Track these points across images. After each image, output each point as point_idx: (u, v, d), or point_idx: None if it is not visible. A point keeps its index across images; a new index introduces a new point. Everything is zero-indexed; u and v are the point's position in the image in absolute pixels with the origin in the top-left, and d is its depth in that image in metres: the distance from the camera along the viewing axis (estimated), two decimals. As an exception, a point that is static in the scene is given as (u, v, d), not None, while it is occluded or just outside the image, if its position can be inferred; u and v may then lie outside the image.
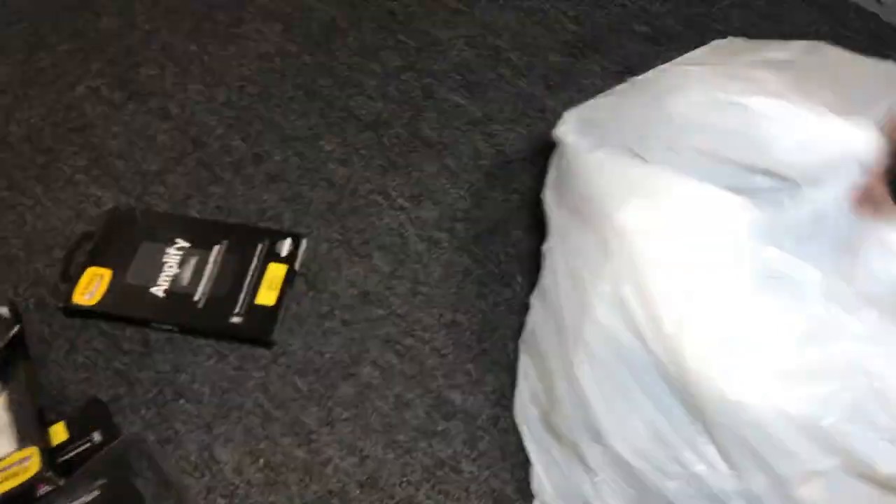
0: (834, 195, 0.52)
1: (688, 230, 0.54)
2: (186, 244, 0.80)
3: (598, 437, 0.57)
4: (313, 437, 0.71)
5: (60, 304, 0.77)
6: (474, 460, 0.71)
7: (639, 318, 0.53)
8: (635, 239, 0.54)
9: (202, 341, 0.76)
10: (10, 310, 0.73)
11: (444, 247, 0.83)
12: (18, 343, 0.71)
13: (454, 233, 0.84)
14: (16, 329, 0.71)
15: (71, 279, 0.78)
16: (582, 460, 0.60)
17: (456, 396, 0.74)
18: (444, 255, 0.82)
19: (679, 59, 0.66)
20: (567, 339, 0.58)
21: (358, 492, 0.69)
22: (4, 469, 0.64)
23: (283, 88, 0.95)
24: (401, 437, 0.71)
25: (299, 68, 0.96)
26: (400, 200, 0.86)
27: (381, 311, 0.78)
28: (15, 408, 0.68)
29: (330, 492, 0.69)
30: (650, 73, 0.65)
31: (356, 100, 0.94)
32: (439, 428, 0.72)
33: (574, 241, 0.61)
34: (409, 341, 0.77)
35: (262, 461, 0.70)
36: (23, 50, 0.97)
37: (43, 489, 0.64)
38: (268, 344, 0.76)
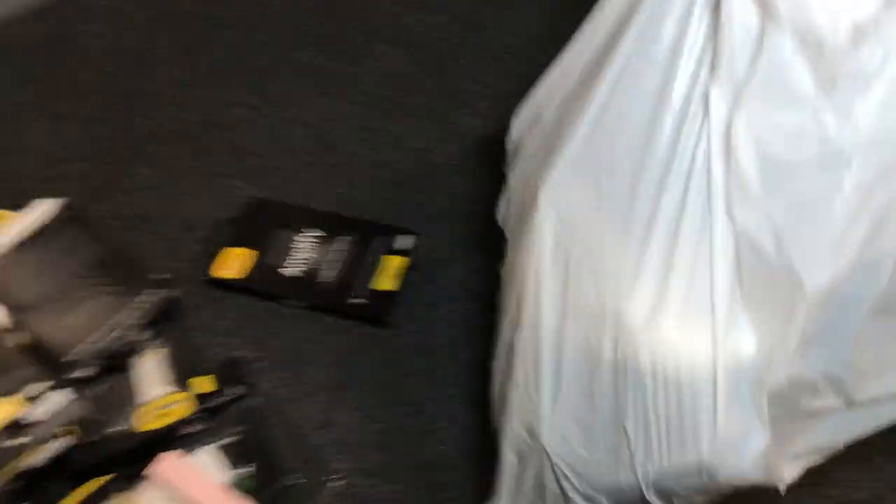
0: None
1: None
2: (316, 233, 0.90)
3: None
4: (422, 408, 0.80)
5: (206, 277, 0.88)
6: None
7: None
8: None
9: (326, 318, 0.86)
10: (167, 279, 0.84)
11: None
12: (173, 307, 0.82)
13: (554, 240, 0.92)
14: (172, 294, 0.82)
15: (214, 256, 0.89)
16: None
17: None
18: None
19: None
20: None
21: (460, 459, 0.77)
22: (160, 408, 0.74)
23: (403, 101, 1.05)
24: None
25: (418, 86, 1.07)
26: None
27: (479, 304, 0.87)
28: (169, 360, 0.79)
29: (437, 455, 0.77)
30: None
31: (466, 119, 1.03)
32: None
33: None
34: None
35: (376, 425, 0.79)
36: (181, 60, 1.10)
37: (191, 428, 0.74)
38: (384, 324, 0.85)
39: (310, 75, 1.08)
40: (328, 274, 0.87)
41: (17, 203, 0.88)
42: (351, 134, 1.02)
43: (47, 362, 0.73)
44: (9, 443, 0.68)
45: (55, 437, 0.69)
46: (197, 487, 0.67)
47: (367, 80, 1.08)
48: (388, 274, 0.87)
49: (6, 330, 0.75)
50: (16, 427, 0.68)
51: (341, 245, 0.89)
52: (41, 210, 0.87)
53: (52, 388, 0.71)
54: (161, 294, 0.81)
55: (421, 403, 0.80)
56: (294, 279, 0.87)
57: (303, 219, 0.92)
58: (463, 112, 1.04)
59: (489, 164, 0.98)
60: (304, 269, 0.87)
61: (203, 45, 1.12)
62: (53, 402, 0.70)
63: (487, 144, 1.00)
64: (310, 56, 1.10)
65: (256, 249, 0.89)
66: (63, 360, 0.74)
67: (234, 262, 0.88)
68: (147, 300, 0.79)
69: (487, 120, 1.03)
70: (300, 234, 0.90)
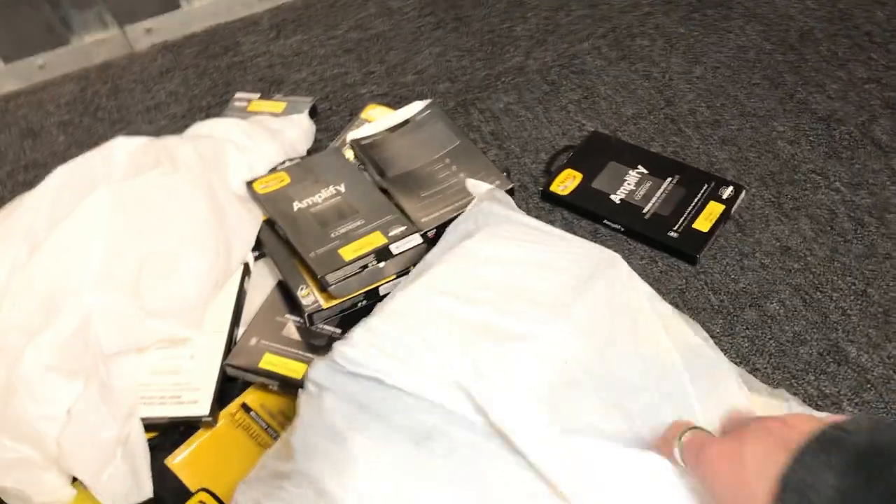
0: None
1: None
2: (645, 171, 0.98)
3: None
4: (713, 341, 0.84)
5: (540, 189, 0.99)
6: (856, 404, 0.78)
7: None
8: None
9: (640, 245, 0.93)
10: (509, 172, 0.96)
11: (870, 231, 0.90)
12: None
13: (884, 221, 0.90)
14: (510, 187, 0.93)
15: (551, 174, 1.00)
16: None
17: (852, 350, 0.81)
18: (868, 238, 0.89)
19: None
20: None
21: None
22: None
23: (751, 75, 1.09)
24: (790, 365, 0.81)
25: (769, 63, 1.10)
26: (837, 184, 0.95)
27: (797, 265, 0.88)
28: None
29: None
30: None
31: (815, 97, 1.05)
32: (829, 369, 0.80)
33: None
34: (817, 295, 0.86)
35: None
36: (549, 10, 1.24)
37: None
38: (693, 261, 0.90)
39: (668, 38, 1.16)
40: (652, 207, 0.94)
41: (397, 104, 1.07)
42: (693, 94, 1.08)
43: (408, 219, 0.88)
44: (373, 265, 0.83)
45: (403, 273, 0.84)
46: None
47: (721, 50, 1.13)
48: (707, 218, 0.92)
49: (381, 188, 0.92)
50: (381, 254, 0.83)
51: (668, 186, 0.96)
52: (414, 108, 1.03)
53: (407, 233, 0.85)
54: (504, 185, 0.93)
55: (713, 336, 0.84)
56: (619, 206, 0.95)
57: (636, 157, 1.00)
58: (812, 90, 1.05)
59: (828, 142, 0.99)
60: (630, 199, 0.95)
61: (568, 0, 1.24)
62: (409, 244, 0.85)
63: (823, 123, 1.01)
64: (674, 22, 1.18)
65: (589, 175, 0.98)
66: (416, 223, 0.88)
67: (566, 181, 0.98)
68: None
69: (835, 101, 1.03)
70: (633, 170, 0.98)
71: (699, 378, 0.61)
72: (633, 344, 0.62)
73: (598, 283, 0.65)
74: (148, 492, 0.73)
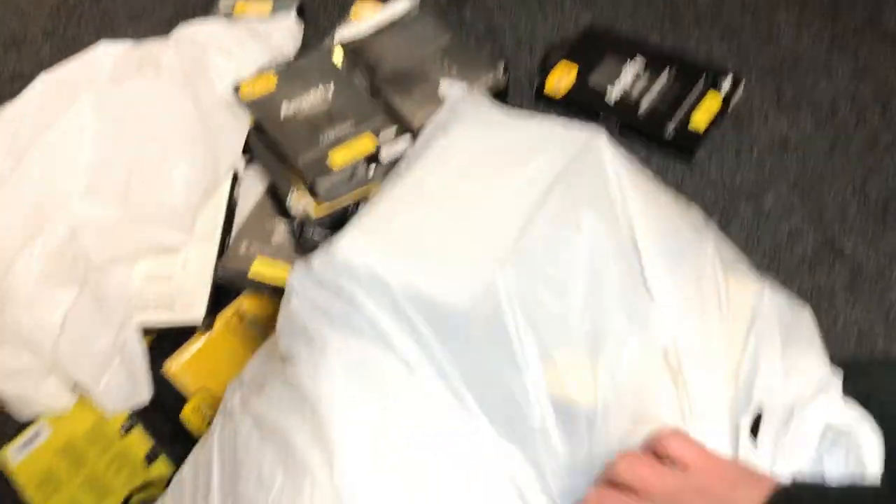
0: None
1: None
2: (642, 65, 0.95)
3: None
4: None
5: (535, 87, 0.97)
6: (848, 300, 0.77)
7: None
8: None
9: (635, 143, 0.91)
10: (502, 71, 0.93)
11: (872, 122, 0.88)
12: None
13: (887, 110, 0.88)
14: (504, 82, 0.90)
15: (546, 71, 0.97)
16: None
17: (848, 246, 0.80)
18: (870, 129, 0.87)
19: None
20: None
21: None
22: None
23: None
24: (785, 259, 0.80)
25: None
26: (840, 75, 0.92)
27: (795, 160, 0.87)
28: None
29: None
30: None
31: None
32: (824, 264, 0.80)
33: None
34: (814, 190, 0.84)
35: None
36: None
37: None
38: (689, 157, 0.88)
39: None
40: (648, 102, 0.92)
41: (386, 1, 1.03)
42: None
43: (399, 120, 0.86)
44: (362, 170, 0.82)
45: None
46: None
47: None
48: (705, 113, 0.90)
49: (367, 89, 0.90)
50: (370, 160, 0.82)
51: (665, 80, 0.93)
52: (403, 5, 1.00)
53: (398, 135, 0.84)
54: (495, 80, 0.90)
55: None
56: (616, 102, 0.92)
57: (633, 51, 0.96)
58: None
59: (832, 32, 0.96)
60: (626, 94, 0.93)
61: None
62: (399, 147, 0.83)
63: (829, 12, 0.97)
64: None
65: (585, 68, 0.96)
66: (409, 121, 0.86)
67: (562, 78, 0.96)
68: (484, 81, 0.89)
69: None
70: (628, 63, 0.95)
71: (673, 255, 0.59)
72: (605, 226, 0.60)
73: (574, 168, 0.63)
74: (147, 395, 0.75)
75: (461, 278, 0.54)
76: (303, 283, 0.57)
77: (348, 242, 0.58)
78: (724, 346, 0.55)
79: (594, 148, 0.63)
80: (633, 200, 0.58)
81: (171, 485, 0.61)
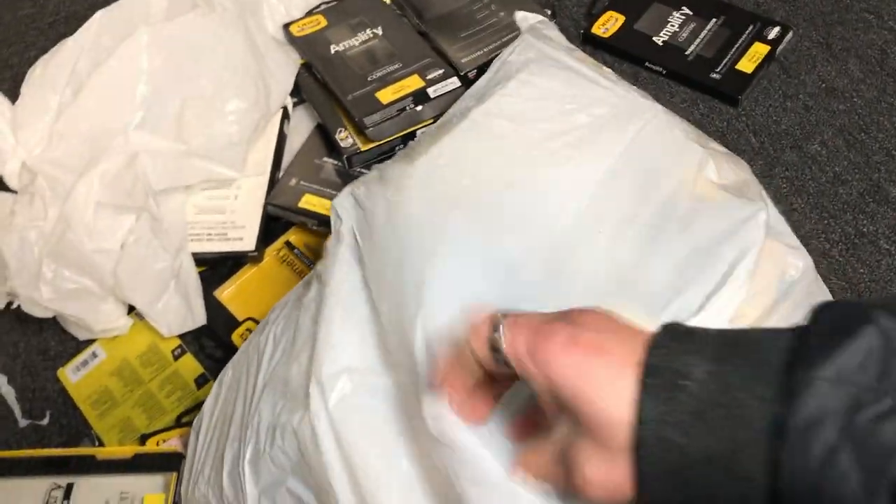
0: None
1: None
2: (689, 12, 0.95)
3: None
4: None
5: (582, 31, 0.97)
6: (892, 245, 0.78)
7: None
8: None
9: (682, 88, 0.91)
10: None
11: (922, 71, 0.87)
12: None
13: (937, 61, 0.88)
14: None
15: (593, 16, 0.97)
16: None
17: (893, 191, 0.80)
18: (919, 78, 0.87)
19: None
20: None
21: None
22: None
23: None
24: (828, 205, 0.81)
25: None
26: (891, 23, 0.91)
27: (842, 106, 0.86)
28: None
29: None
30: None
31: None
32: (868, 209, 0.80)
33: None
34: (861, 136, 0.84)
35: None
36: None
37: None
38: (735, 102, 0.88)
39: None
40: (695, 49, 0.92)
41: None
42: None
43: (446, 62, 0.87)
44: (411, 108, 0.83)
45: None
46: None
47: None
48: (751, 59, 0.89)
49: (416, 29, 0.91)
50: (419, 97, 0.83)
51: (712, 27, 0.93)
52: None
53: (445, 76, 0.85)
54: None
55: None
56: (661, 48, 0.92)
57: (680, -2, 0.96)
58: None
59: None
60: (673, 40, 0.93)
61: None
62: (446, 87, 0.84)
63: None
64: None
65: (632, 16, 0.96)
66: (456, 64, 0.87)
67: (609, 23, 0.96)
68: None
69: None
70: (677, 11, 0.95)
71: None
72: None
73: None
74: (201, 319, 0.77)
75: (518, 230, 0.54)
76: (343, 205, 0.59)
77: (398, 176, 0.59)
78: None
79: (658, 121, 0.64)
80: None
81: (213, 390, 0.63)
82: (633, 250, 0.54)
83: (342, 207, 0.58)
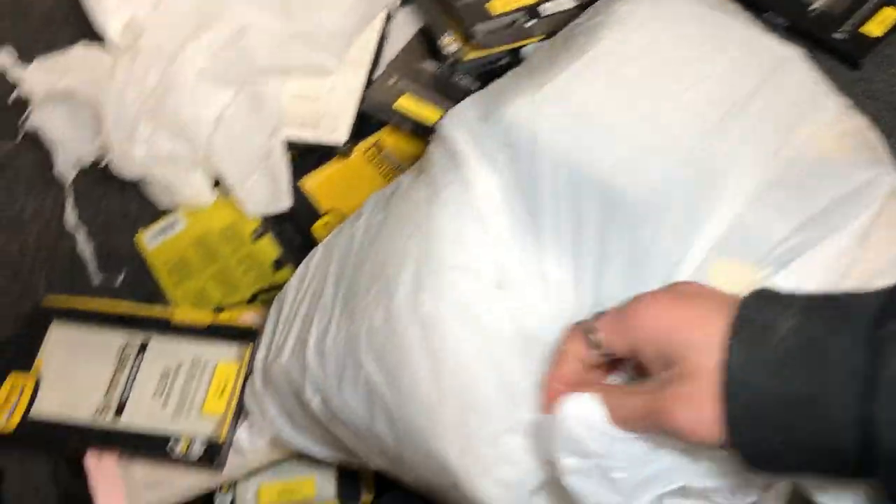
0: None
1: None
2: (821, -35, 0.90)
3: None
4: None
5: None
6: None
7: None
8: None
9: (800, 44, 0.87)
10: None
11: None
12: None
13: None
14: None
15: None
16: None
17: None
18: None
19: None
20: None
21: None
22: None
23: None
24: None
25: None
26: None
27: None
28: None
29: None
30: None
31: None
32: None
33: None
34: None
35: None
36: None
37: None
38: (856, 66, 0.85)
39: None
40: (821, 5, 0.88)
41: None
42: None
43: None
44: (521, 21, 0.81)
45: (550, 35, 0.82)
46: None
47: None
48: (879, 23, 0.86)
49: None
50: (530, 12, 0.81)
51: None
52: None
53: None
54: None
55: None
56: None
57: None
58: None
59: None
60: (794, -6, 0.89)
61: None
62: (559, 6, 0.82)
63: None
64: None
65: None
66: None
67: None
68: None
69: None
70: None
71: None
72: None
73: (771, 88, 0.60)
74: (287, 203, 0.78)
75: (636, 168, 0.53)
76: (453, 124, 0.57)
77: (514, 99, 0.57)
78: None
79: (794, 69, 0.62)
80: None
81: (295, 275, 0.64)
82: (753, 202, 0.53)
83: (460, 127, 0.56)
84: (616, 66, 0.59)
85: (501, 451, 0.46)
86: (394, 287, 0.50)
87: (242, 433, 0.64)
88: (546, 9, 0.82)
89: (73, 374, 0.68)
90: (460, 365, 0.47)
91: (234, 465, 0.63)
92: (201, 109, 0.75)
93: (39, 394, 0.67)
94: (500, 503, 0.46)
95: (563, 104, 0.55)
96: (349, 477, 0.64)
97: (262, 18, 0.78)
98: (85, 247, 0.82)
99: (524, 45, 0.82)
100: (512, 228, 0.51)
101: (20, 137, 0.84)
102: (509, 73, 0.63)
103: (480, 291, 0.48)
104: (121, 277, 0.80)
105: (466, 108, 0.58)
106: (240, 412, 0.65)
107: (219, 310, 0.74)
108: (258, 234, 0.80)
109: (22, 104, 0.82)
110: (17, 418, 0.65)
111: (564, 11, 0.82)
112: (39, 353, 0.69)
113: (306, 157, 0.82)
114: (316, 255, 0.61)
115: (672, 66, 0.59)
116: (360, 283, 0.53)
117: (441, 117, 0.58)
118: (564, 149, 0.52)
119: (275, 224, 0.80)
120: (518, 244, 0.51)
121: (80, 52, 0.81)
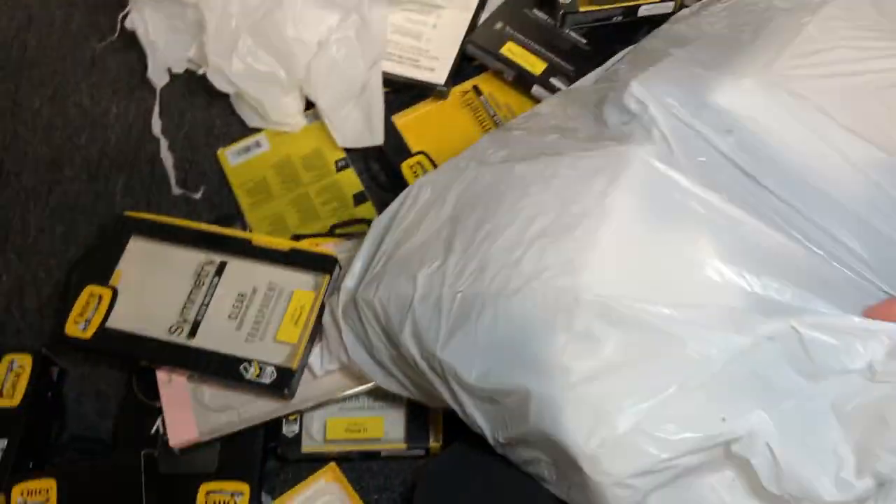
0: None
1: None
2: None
3: None
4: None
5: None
6: None
7: None
8: None
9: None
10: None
11: None
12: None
13: None
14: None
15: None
16: None
17: None
18: None
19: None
20: None
21: None
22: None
23: None
24: None
25: None
26: None
27: None
28: None
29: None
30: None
31: None
32: None
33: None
34: None
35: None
36: None
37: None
38: None
39: None
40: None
41: None
42: None
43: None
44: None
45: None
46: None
47: None
48: None
49: None
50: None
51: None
52: None
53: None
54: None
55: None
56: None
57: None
58: None
59: None
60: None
61: None
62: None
63: None
64: None
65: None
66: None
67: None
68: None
69: None
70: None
71: None
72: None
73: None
74: (378, 139, 0.75)
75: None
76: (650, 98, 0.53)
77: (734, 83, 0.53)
78: None
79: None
80: None
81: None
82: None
83: (658, 105, 0.53)
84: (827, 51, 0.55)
85: (631, 443, 0.44)
86: (551, 265, 0.47)
87: (315, 358, 0.63)
88: (667, -28, 0.78)
89: (151, 289, 0.67)
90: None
91: (303, 393, 0.62)
92: (305, 31, 0.72)
93: (115, 306, 0.66)
94: (619, 498, 0.44)
95: (790, 93, 0.52)
96: (418, 421, 0.63)
97: (375, -55, 0.75)
98: (166, 157, 0.80)
99: (640, 4, 0.78)
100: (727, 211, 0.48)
101: (115, 35, 0.82)
102: (681, 52, 0.58)
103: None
104: (200, 192, 0.78)
105: (659, 84, 0.54)
106: (313, 341, 0.64)
107: (296, 237, 0.73)
108: (342, 166, 0.78)
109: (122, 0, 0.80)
110: (93, 327, 0.64)
111: (685, -28, 0.78)
112: (118, 266, 0.68)
113: (401, 92, 0.79)
114: (424, 193, 0.58)
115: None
116: (492, 236, 0.51)
117: (628, 87, 0.54)
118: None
119: (361, 158, 0.78)
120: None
121: (188, -46, 0.78)
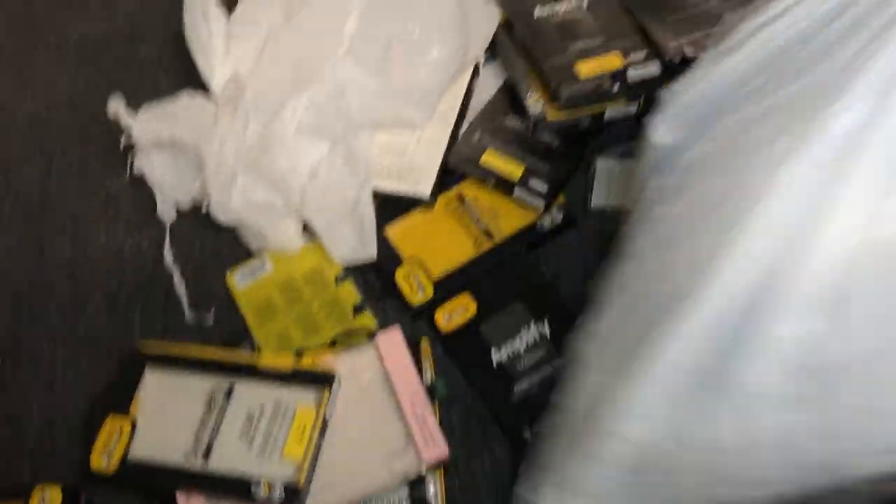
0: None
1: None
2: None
3: None
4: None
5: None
6: None
7: None
8: None
9: None
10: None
11: None
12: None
13: None
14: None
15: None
16: None
17: None
18: None
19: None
20: None
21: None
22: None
23: None
24: None
25: None
26: None
27: None
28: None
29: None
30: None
31: None
32: None
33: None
34: None
35: None
36: None
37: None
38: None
39: None
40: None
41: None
42: None
43: (649, 45, 0.85)
44: (606, 85, 0.83)
45: (634, 99, 0.83)
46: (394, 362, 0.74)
47: None
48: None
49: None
50: (615, 77, 0.83)
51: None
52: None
53: (647, 59, 0.83)
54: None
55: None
56: None
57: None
58: None
59: None
60: None
61: None
62: (646, 72, 0.83)
63: None
64: None
65: None
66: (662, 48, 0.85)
67: None
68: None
69: None
70: None
71: None
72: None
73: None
74: (373, 253, 0.81)
75: None
76: None
77: None
78: None
79: None
80: None
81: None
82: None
83: None
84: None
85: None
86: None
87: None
88: (633, 75, 0.83)
89: (166, 417, 0.72)
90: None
91: None
92: (298, 161, 0.79)
93: (135, 436, 0.71)
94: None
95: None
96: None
97: (361, 77, 0.82)
98: (179, 284, 0.86)
99: (604, 110, 0.84)
100: None
101: (127, 177, 0.89)
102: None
103: None
104: (211, 315, 0.84)
105: None
106: (317, 457, 0.68)
107: (299, 353, 0.77)
108: (340, 280, 0.83)
109: (132, 146, 0.87)
110: (116, 460, 0.69)
111: (651, 79, 0.83)
112: (135, 397, 0.73)
113: (388, 204, 0.85)
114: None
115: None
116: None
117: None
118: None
119: (357, 270, 0.83)
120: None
121: (185, 102, 0.85)
